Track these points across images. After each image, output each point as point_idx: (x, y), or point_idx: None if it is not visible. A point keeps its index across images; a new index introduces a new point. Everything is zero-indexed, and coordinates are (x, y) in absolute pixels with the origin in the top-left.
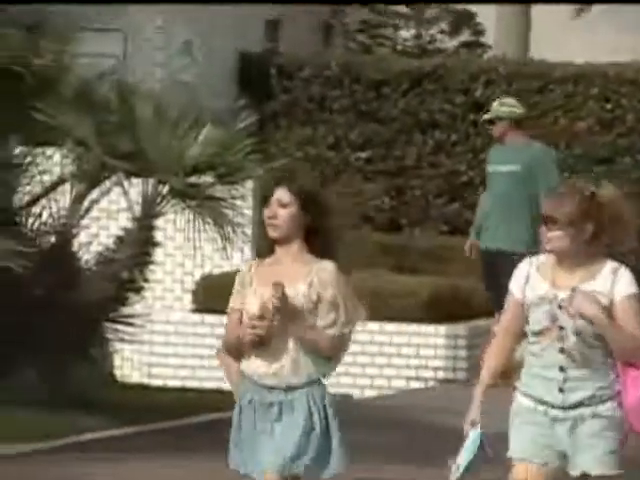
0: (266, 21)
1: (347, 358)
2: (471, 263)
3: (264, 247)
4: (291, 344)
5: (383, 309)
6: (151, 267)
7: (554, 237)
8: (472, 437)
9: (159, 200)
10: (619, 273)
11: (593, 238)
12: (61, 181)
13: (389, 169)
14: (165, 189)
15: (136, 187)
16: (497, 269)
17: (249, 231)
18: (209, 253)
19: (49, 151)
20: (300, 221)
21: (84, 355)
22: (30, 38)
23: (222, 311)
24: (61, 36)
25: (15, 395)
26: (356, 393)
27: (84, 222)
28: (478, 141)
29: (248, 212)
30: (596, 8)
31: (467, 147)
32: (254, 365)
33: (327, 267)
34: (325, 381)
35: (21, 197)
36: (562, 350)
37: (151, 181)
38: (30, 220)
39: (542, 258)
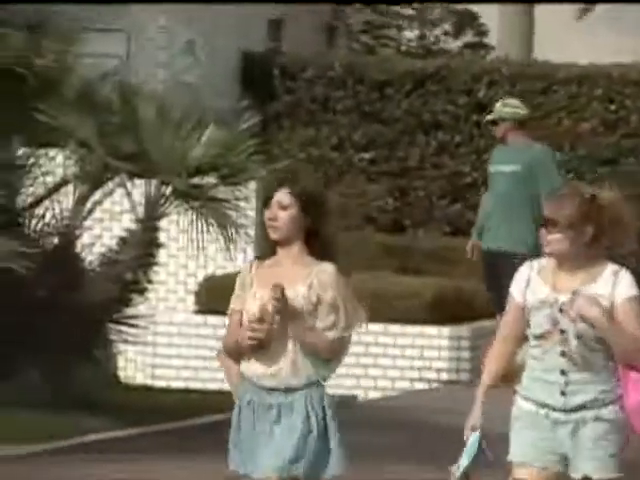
0: (269, 21)
1: (351, 359)
2: (474, 264)
3: (266, 248)
4: (290, 346)
5: (387, 310)
6: (154, 268)
7: (554, 240)
8: (472, 441)
9: (162, 201)
10: (620, 275)
11: (593, 240)
12: (64, 182)
13: (392, 170)
14: (168, 190)
15: (139, 188)
16: (498, 270)
17: (252, 232)
18: (212, 254)
19: (52, 152)
20: (300, 223)
21: (88, 356)
22: (32, 38)
23: (225, 312)
24: (63, 36)
25: (19, 396)
26: (360, 394)
27: (87, 223)
28: (481, 142)
29: (251, 213)
30: (599, 9)
31: (470, 148)
32: (253, 367)
33: (327, 269)
34: (324, 383)
35: (24, 198)
36: (563, 354)
37: (154, 182)
38: (33, 221)
39: (543, 261)
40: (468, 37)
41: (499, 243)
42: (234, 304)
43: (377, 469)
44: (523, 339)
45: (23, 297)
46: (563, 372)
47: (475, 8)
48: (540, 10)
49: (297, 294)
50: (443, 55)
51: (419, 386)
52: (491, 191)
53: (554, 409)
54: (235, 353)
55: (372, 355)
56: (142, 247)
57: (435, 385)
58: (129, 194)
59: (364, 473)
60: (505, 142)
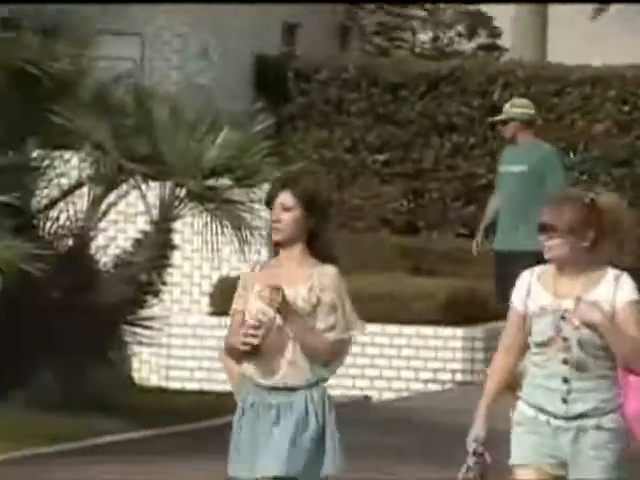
0: (283, 24)
1: (365, 361)
2: (488, 265)
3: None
4: (290, 346)
5: (401, 312)
6: (169, 270)
7: (554, 245)
8: (475, 453)
9: (177, 203)
10: (621, 280)
11: (594, 245)
12: (79, 184)
13: (407, 172)
14: (183, 192)
15: (154, 190)
16: (509, 270)
17: (266, 234)
18: (226, 256)
19: (67, 154)
20: (303, 225)
21: (102, 358)
22: (48, 41)
23: None
24: (79, 39)
25: (34, 398)
26: (374, 395)
27: (102, 225)
28: (496, 144)
29: (265, 215)
30: (612, 11)
31: (485, 150)
32: (254, 367)
33: (328, 271)
34: (325, 383)
35: (39, 200)
36: (566, 361)
37: (169, 184)
38: (48, 223)
39: (543, 267)
40: (482, 39)
41: (509, 244)
42: (236, 304)
43: (391, 469)
44: (526, 348)
45: (38, 299)
46: (565, 380)
47: (487, 9)
48: (553, 12)
49: (297, 295)
50: (457, 57)
51: (433, 387)
52: (500, 191)
53: (555, 416)
54: (236, 353)
55: (386, 356)
56: (156, 249)
57: (449, 386)
58: (144, 196)
59: (378, 473)
60: (514, 142)
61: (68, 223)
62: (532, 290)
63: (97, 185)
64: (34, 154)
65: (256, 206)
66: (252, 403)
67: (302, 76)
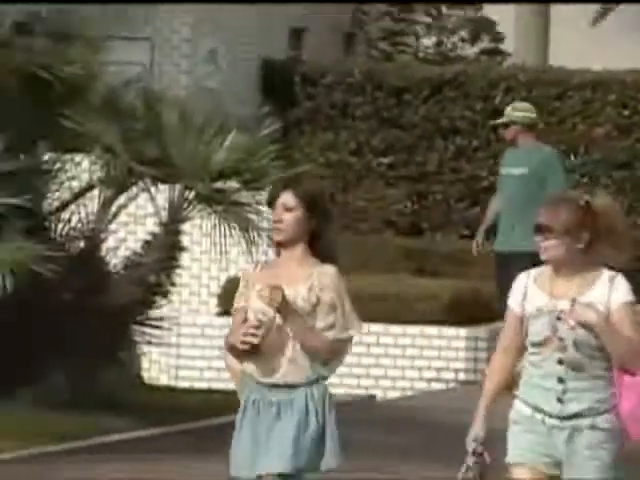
0: (290, 29)
1: (371, 360)
2: (491, 266)
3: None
4: (290, 345)
5: (406, 312)
6: (178, 271)
7: (550, 246)
8: (475, 454)
9: (185, 205)
10: (616, 281)
11: (589, 246)
12: (89, 187)
13: (411, 174)
14: (191, 194)
15: (163, 193)
16: (510, 271)
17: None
18: (234, 257)
19: (77, 157)
20: (305, 225)
21: (112, 358)
22: (59, 46)
23: None
24: (90, 44)
25: (45, 397)
26: (379, 394)
27: (112, 227)
28: (498, 147)
29: None
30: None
31: (488, 153)
32: (254, 365)
33: (328, 271)
34: (325, 381)
35: (50, 203)
36: (561, 361)
37: (177, 187)
38: (59, 225)
39: (540, 269)
40: (485, 44)
41: (509, 245)
42: (238, 302)
43: (395, 467)
44: (524, 349)
45: (49, 300)
46: (560, 379)
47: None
48: (555, 17)
49: (297, 295)
50: (460, 62)
51: (437, 386)
52: (501, 193)
53: (550, 415)
54: (236, 352)
55: (391, 356)
56: (165, 250)
57: (452, 385)
58: (153, 198)
59: (382, 471)
60: (515, 145)
61: (79, 225)
62: (528, 292)
63: (107, 188)
64: (45, 157)
65: (263, 208)
66: (253, 400)
67: (308, 80)
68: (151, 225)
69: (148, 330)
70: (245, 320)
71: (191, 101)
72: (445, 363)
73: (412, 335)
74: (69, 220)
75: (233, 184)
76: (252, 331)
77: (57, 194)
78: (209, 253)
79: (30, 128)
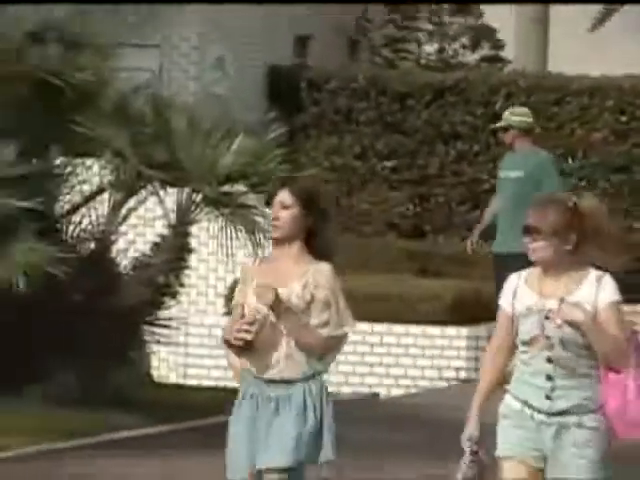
0: (295, 37)
1: (374, 359)
2: (491, 268)
3: None
4: (285, 341)
5: (409, 313)
6: (186, 272)
7: (538, 247)
8: (471, 452)
9: (193, 208)
10: (603, 281)
11: (576, 247)
12: (100, 190)
13: (413, 178)
14: (199, 197)
15: (171, 196)
16: (509, 272)
17: None
18: (241, 259)
19: (88, 162)
20: (301, 223)
21: (123, 356)
22: (70, 54)
23: None
24: (100, 52)
25: (56, 394)
26: (382, 392)
27: (122, 229)
28: (498, 151)
29: None
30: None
31: (488, 157)
32: (250, 361)
33: (323, 268)
34: (323, 376)
35: (62, 206)
36: (549, 359)
37: (186, 190)
38: (70, 227)
39: (530, 269)
40: (485, 51)
41: (507, 246)
42: (236, 298)
43: (398, 464)
44: (515, 348)
45: (60, 301)
46: (549, 377)
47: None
48: (554, 22)
49: (292, 292)
50: (461, 68)
51: (439, 384)
52: (499, 195)
53: (539, 411)
54: (233, 348)
55: (394, 355)
56: (174, 252)
57: (454, 383)
58: (162, 201)
59: (386, 468)
60: (513, 149)
61: (90, 227)
62: (518, 292)
63: (117, 191)
64: (57, 161)
65: (269, 211)
66: (251, 394)
67: (313, 86)
68: (160, 227)
69: (157, 330)
70: (243, 316)
71: (199, 107)
72: (447, 362)
73: (415, 335)
74: (80, 222)
75: (240, 187)
76: (245, 327)
77: (68, 197)
78: (216, 255)
79: (42, 133)
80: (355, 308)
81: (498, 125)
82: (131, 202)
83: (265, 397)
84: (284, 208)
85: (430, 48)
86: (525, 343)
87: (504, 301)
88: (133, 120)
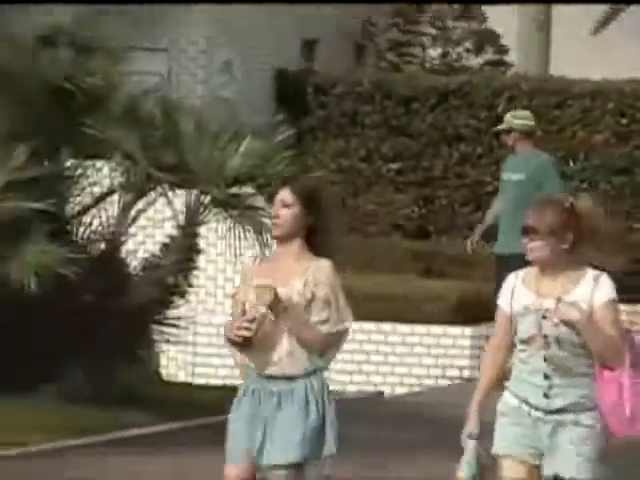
0: (302, 41)
1: (379, 358)
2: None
3: None
4: (287, 338)
5: (414, 313)
6: (194, 273)
7: (536, 247)
8: (470, 449)
9: (202, 209)
10: (600, 280)
11: (573, 247)
12: (110, 192)
13: (418, 180)
14: (207, 199)
15: (180, 197)
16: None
17: None
18: (249, 260)
19: (98, 164)
20: (302, 221)
21: (132, 355)
22: (81, 58)
23: None
24: (110, 56)
25: (68, 392)
26: (387, 390)
27: (131, 230)
28: (501, 153)
29: None
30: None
31: (491, 159)
32: (251, 357)
33: (323, 265)
34: (324, 372)
35: (72, 207)
36: (546, 358)
37: (194, 192)
38: (81, 229)
39: (528, 269)
40: (489, 55)
41: (508, 247)
42: (237, 295)
43: (403, 462)
44: (514, 347)
45: (71, 301)
46: (546, 376)
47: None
48: (557, 27)
49: (293, 290)
50: (465, 72)
51: (443, 383)
52: (501, 197)
53: (536, 408)
54: (233, 344)
55: (399, 354)
56: (183, 253)
57: (458, 382)
58: (170, 203)
59: (390, 465)
60: (515, 151)
61: (100, 228)
62: (516, 291)
63: (127, 193)
64: (68, 164)
65: None
66: (253, 390)
67: (320, 90)
68: (169, 228)
69: (166, 329)
70: (244, 313)
71: (207, 110)
72: (451, 361)
73: (419, 334)
74: (90, 224)
75: (248, 189)
76: (245, 325)
77: (79, 199)
78: (224, 255)
79: (54, 136)
80: (361, 307)
81: (500, 128)
82: (140, 204)
83: (267, 392)
84: (285, 206)
85: (434, 52)
86: (523, 342)
87: (502, 301)
88: (142, 123)
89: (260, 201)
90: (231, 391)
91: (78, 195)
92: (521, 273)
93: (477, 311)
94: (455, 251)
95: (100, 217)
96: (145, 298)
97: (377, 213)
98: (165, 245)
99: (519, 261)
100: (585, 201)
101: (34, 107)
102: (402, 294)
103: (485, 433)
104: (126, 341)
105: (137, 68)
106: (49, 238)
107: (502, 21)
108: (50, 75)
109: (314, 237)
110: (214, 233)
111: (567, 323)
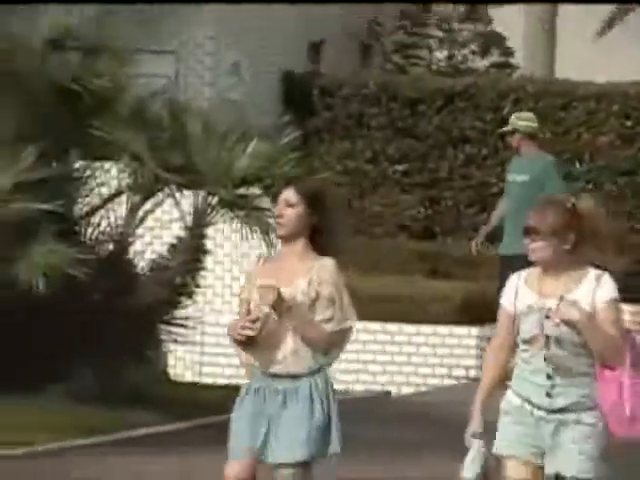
0: (309, 43)
1: (386, 358)
2: None
3: None
4: (292, 336)
5: (420, 313)
6: (202, 273)
7: (538, 247)
8: (475, 449)
9: (209, 210)
10: (602, 280)
11: (575, 247)
12: (118, 193)
13: (424, 181)
14: (215, 200)
15: (187, 198)
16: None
17: None
18: (255, 260)
19: (106, 165)
20: (306, 221)
21: (140, 355)
22: (89, 60)
23: None
24: (118, 58)
25: (75, 392)
26: (394, 390)
27: (139, 231)
28: (506, 155)
29: None
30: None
31: (496, 160)
32: (256, 356)
33: (327, 264)
34: (328, 370)
35: (81, 208)
36: (545, 358)
37: (201, 193)
38: (89, 229)
39: (530, 269)
40: (494, 57)
41: (513, 248)
42: (242, 294)
43: (408, 461)
44: (516, 346)
45: (80, 300)
46: (548, 375)
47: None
48: (562, 30)
49: (297, 289)
50: (471, 74)
51: (449, 382)
52: (506, 198)
53: (539, 407)
54: (238, 343)
55: (405, 354)
56: (190, 253)
57: (463, 381)
58: (178, 204)
59: (396, 464)
60: (519, 152)
61: (108, 229)
62: (519, 291)
63: (135, 194)
64: (76, 165)
65: None
66: (257, 388)
67: (326, 92)
68: (176, 229)
69: (174, 329)
70: (248, 312)
71: (214, 111)
72: (457, 360)
73: (425, 334)
74: (98, 224)
75: (255, 190)
76: (249, 324)
77: (87, 200)
78: (231, 256)
79: (62, 138)
80: (367, 308)
81: (504, 129)
82: (148, 205)
83: (272, 390)
84: (289, 206)
85: (440, 54)
86: (526, 342)
87: (505, 300)
88: (150, 124)
89: (267, 202)
90: (238, 391)
91: (86, 196)
92: (523, 273)
93: (482, 311)
94: (461, 252)
95: (108, 218)
96: (153, 298)
97: (383, 214)
98: (173, 246)
99: (523, 262)
100: (587, 202)
101: (42, 108)
102: (408, 295)
103: (489, 433)
104: (134, 341)
105: (145, 70)
106: (57, 239)
107: (508, 23)
108: (58, 77)
109: (318, 237)
110: (221, 234)
111: (568, 323)
